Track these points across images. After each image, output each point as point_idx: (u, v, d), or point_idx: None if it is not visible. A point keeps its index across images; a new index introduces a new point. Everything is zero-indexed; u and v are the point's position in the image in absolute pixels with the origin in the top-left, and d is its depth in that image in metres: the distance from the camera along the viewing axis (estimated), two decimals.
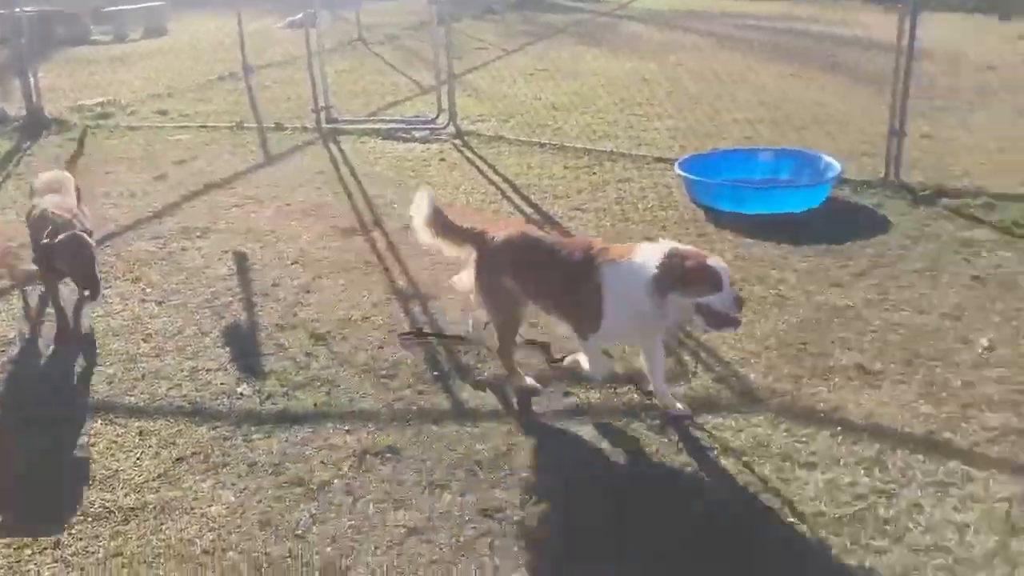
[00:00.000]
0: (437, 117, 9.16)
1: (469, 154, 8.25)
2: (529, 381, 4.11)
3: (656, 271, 3.51)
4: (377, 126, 9.26)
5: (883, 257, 5.58)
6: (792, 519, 3.20)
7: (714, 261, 3.53)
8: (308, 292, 5.27)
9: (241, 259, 5.80)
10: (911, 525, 3.14)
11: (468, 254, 4.16)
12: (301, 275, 5.52)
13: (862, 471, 3.46)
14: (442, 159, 8.13)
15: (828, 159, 6.86)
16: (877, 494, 3.32)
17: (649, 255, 3.60)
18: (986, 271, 5.31)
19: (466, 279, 4.22)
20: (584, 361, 4.04)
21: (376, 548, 3.09)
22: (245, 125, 9.47)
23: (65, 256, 4.40)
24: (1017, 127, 8.04)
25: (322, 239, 6.15)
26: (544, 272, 3.90)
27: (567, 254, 3.85)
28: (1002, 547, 3.01)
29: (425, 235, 4.27)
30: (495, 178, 7.50)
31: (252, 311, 5.04)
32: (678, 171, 6.84)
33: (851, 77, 10.89)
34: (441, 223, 4.22)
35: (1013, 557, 2.97)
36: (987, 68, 11.42)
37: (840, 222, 6.21)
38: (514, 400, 4.06)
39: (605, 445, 3.70)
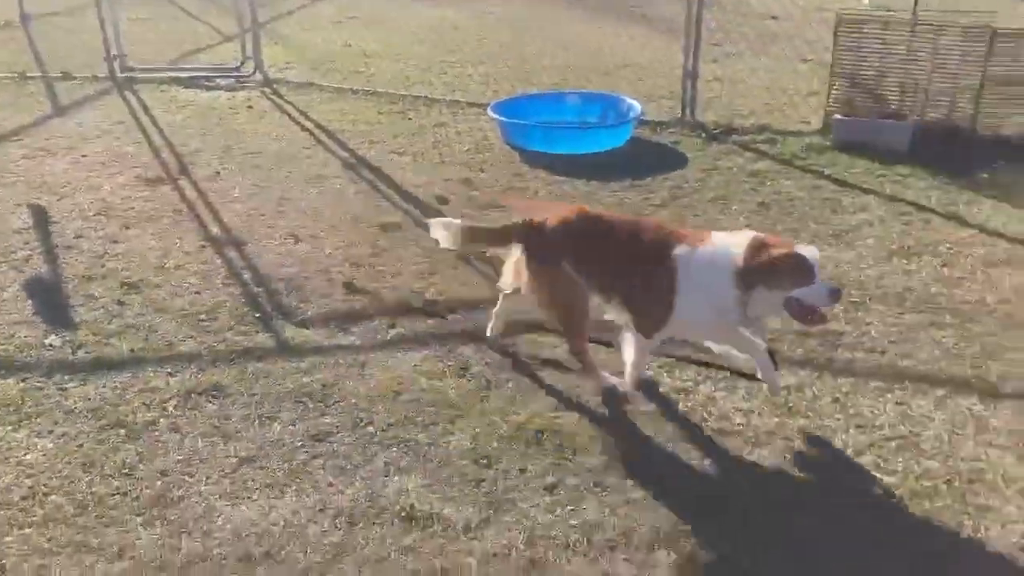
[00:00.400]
0: (242, 65, 8.87)
1: (279, 101, 8.07)
2: (612, 380, 3.63)
3: (742, 261, 3.15)
4: (178, 75, 8.85)
5: (681, 189, 6.01)
6: (607, 418, 3.47)
7: (805, 249, 3.19)
8: (115, 243, 5.06)
9: (38, 212, 5.47)
10: (705, 415, 3.49)
11: (514, 250, 3.69)
12: (106, 226, 5.28)
13: (663, 371, 3.78)
14: (250, 107, 7.91)
15: (631, 101, 7.26)
16: (677, 392, 3.66)
17: (731, 243, 3.25)
18: (769, 197, 5.84)
19: (513, 277, 3.74)
20: (632, 372, 3.56)
21: (208, 478, 3.10)
22: (28, 75, 8.79)
23: None
24: (796, 71, 8.75)
25: (125, 189, 5.88)
26: (608, 257, 3.46)
27: (635, 237, 3.42)
28: (780, 426, 3.41)
29: (462, 249, 3.96)
30: (308, 124, 7.39)
31: (55, 263, 4.79)
32: (492, 115, 7.02)
33: (649, 26, 11.42)
34: (473, 233, 3.84)
35: (789, 434, 3.38)
36: (770, 17, 12.29)
37: (642, 159, 6.60)
38: (600, 400, 3.63)
39: (431, 367, 3.84)
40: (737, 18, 11.92)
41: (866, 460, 3.23)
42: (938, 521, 2.92)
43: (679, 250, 3.29)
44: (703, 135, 7.13)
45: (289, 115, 7.69)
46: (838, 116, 6.91)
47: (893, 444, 3.32)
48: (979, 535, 2.86)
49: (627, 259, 3.41)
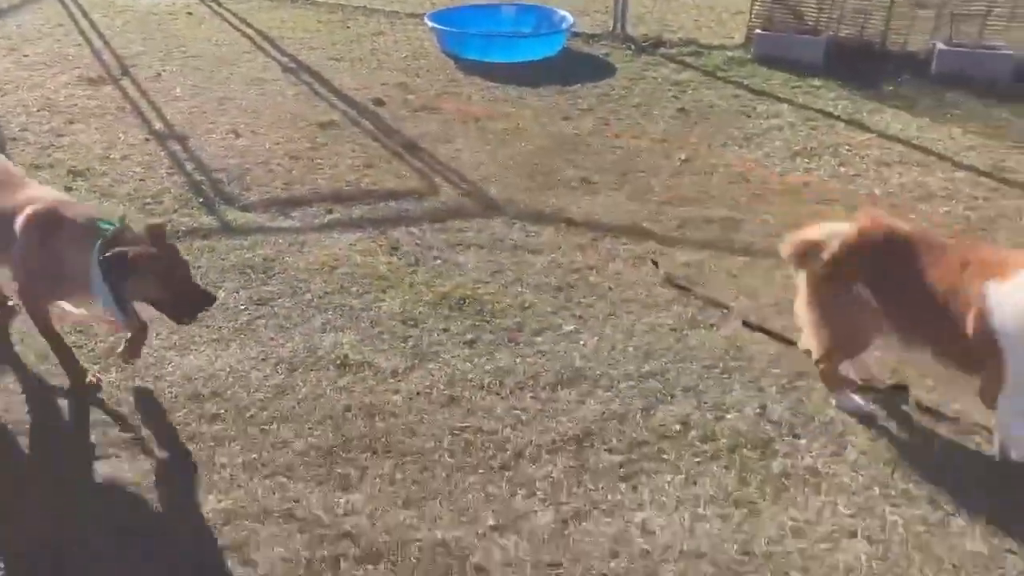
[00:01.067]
0: None
1: (218, 9, 8.14)
2: (857, 402, 3.09)
3: None
4: None
5: (607, 96, 6.33)
6: (522, 289, 3.86)
7: None
8: (60, 136, 5.24)
9: None
10: (612, 286, 3.90)
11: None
12: (51, 121, 5.45)
13: (578, 253, 4.18)
14: (189, 13, 7.98)
15: (563, 13, 7.51)
16: (589, 268, 4.05)
17: None
18: (690, 104, 6.20)
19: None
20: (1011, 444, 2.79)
21: (158, 335, 3.41)
22: None
23: None
24: None
25: (68, 88, 6.02)
26: (919, 288, 2.78)
27: (954, 264, 2.74)
28: (679, 297, 3.83)
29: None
30: (248, 31, 7.51)
31: (3, 153, 4.96)
32: (429, 23, 7.22)
33: None
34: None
35: (688, 302, 3.80)
36: None
37: (573, 68, 6.89)
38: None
39: (365, 247, 4.17)
40: None
41: (751, 319, 3.66)
42: (810, 367, 3.37)
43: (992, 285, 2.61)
44: (632, 47, 7.43)
45: (229, 22, 7.79)
46: (759, 31, 7.26)
47: (776, 308, 3.76)
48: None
49: (943, 294, 2.74)
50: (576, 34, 7.50)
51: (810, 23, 7.27)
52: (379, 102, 5.99)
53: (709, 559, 2.48)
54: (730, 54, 7.26)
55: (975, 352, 2.65)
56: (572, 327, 3.60)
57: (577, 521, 2.59)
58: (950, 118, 6.07)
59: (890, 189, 4.95)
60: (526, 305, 3.74)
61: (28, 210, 2.90)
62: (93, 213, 2.99)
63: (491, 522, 2.58)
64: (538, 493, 2.70)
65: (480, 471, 2.79)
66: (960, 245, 3.07)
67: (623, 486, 2.74)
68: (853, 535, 2.58)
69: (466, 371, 3.29)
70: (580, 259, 4.12)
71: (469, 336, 3.52)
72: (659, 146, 5.48)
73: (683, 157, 5.29)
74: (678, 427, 3.01)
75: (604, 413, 3.06)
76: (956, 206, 4.76)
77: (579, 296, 3.82)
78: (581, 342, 3.49)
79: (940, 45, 6.93)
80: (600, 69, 6.92)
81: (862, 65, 6.96)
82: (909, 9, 7.11)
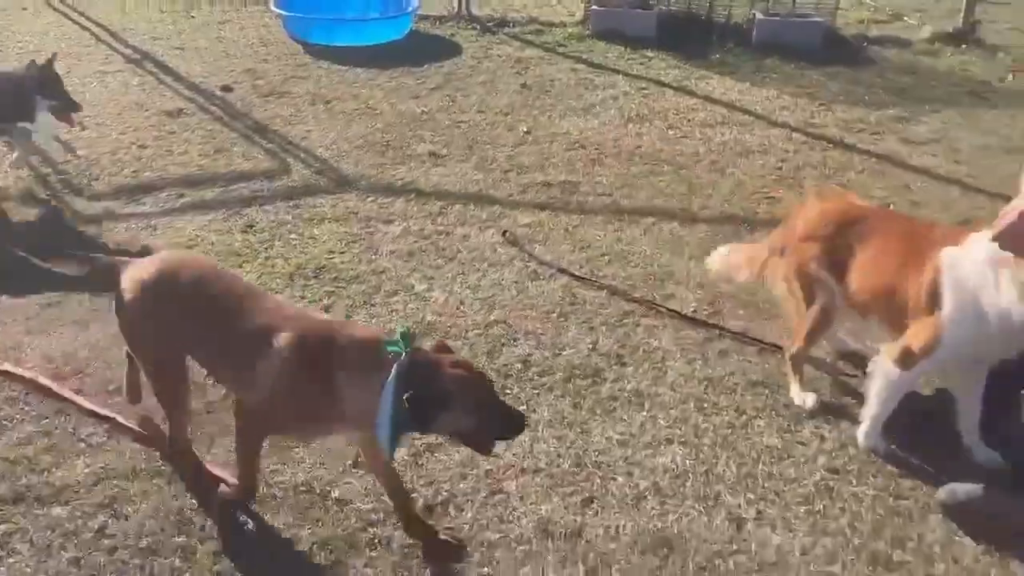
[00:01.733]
0: None
1: (55, 2, 7.94)
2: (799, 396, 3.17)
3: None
4: None
5: (454, 75, 6.59)
6: (376, 256, 4.08)
7: None
8: None
9: None
10: (460, 248, 4.17)
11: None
12: None
13: (428, 221, 4.43)
14: (24, 8, 7.76)
15: None
16: (438, 234, 4.31)
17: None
18: (531, 79, 6.53)
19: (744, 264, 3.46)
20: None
21: (11, 320, 3.47)
22: None
23: None
24: None
25: None
26: (879, 261, 2.94)
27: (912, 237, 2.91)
28: (520, 254, 4.14)
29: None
30: (88, 24, 7.38)
31: None
32: (275, 10, 7.29)
33: None
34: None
35: (526, 259, 4.10)
36: None
37: (420, 49, 7.11)
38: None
39: (219, 226, 4.29)
40: None
41: (584, 271, 4.01)
42: (636, 307, 3.73)
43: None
44: (477, 27, 7.71)
45: (67, 16, 7.62)
46: (596, 8, 7.66)
47: (607, 259, 4.12)
48: (666, 313, 3.69)
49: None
50: (423, 17, 7.72)
51: None
52: (227, 88, 6.06)
53: (546, 472, 2.79)
54: (570, 31, 7.65)
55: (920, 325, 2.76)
56: (424, 287, 3.85)
57: (430, 453, 2.85)
58: (768, 81, 6.64)
59: (712, 147, 5.41)
60: (380, 271, 3.96)
61: (293, 332, 2.33)
62: (370, 333, 2.40)
63: (350, 461, 2.81)
64: None
65: None
66: (917, 221, 3.28)
67: None
68: (671, 442, 2.94)
69: None
70: (430, 227, 4.37)
71: (326, 302, 3.72)
72: (503, 119, 5.78)
73: (525, 129, 5.61)
74: (519, 365, 3.31)
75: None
76: (770, 159, 5.27)
77: (430, 260, 4.07)
78: (432, 299, 3.75)
79: (759, 15, 7.52)
80: (447, 49, 7.17)
81: (691, 36, 7.47)
82: None
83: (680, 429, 3.00)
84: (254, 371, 2.34)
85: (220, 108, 5.76)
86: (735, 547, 2.53)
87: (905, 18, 8.51)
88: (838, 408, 3.14)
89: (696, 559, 2.49)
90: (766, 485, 2.77)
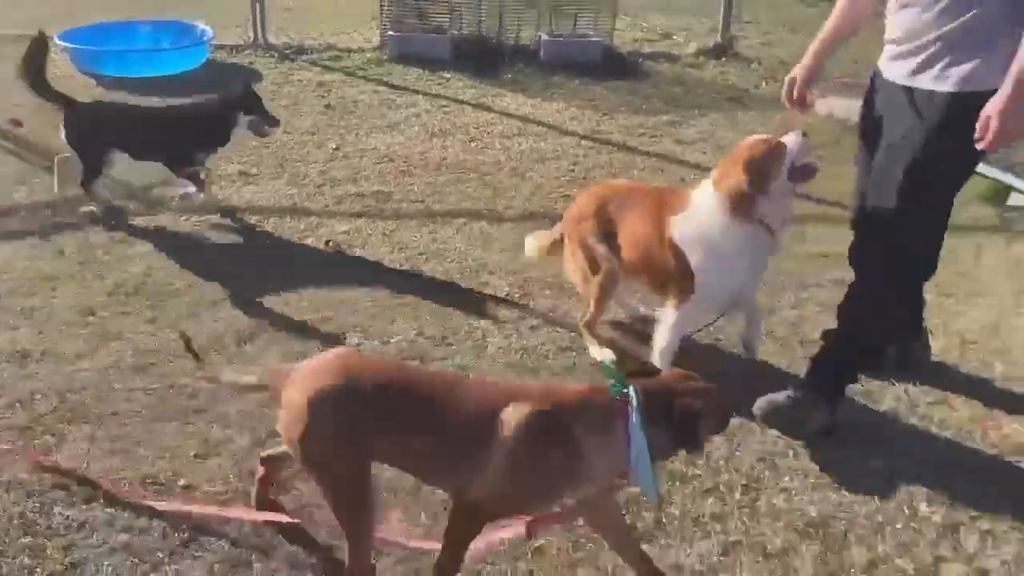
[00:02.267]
0: None
1: None
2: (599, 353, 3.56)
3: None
4: None
5: None
6: (195, 269, 4.15)
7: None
8: None
9: None
10: (280, 256, 4.32)
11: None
12: None
13: (246, 235, 4.54)
14: None
15: (203, 26, 7.72)
16: (257, 246, 4.43)
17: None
18: (335, 101, 6.75)
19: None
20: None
21: None
22: None
23: None
24: None
25: None
26: (633, 230, 3.42)
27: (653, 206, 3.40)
28: (339, 258, 4.34)
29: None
30: None
31: None
32: (61, 43, 7.09)
33: None
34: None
35: (346, 263, 4.32)
36: None
37: (219, 77, 7.12)
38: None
39: (28, 253, 4.22)
40: None
41: (403, 267, 4.27)
42: (457, 293, 4.03)
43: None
44: (276, 55, 7.84)
45: None
46: (391, 33, 7.99)
47: (423, 256, 4.40)
48: (482, 298, 4.01)
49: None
50: (219, 46, 7.75)
51: (435, 23, 8.14)
52: (17, 123, 5.87)
53: None
54: (368, 55, 7.93)
55: (675, 276, 3.29)
56: (247, 294, 3.97)
57: (272, 437, 2.99)
58: (557, 96, 7.19)
59: (512, 156, 5.84)
60: (200, 283, 4.04)
61: (517, 404, 2.16)
62: (579, 386, 2.30)
63: (193, 452, 2.91)
64: (233, 424, 3.07)
65: (178, 418, 3.10)
66: (656, 189, 3.75)
67: None
68: None
69: (151, 343, 3.55)
70: (249, 240, 4.49)
71: (150, 315, 3.76)
72: (311, 138, 5.96)
73: (334, 146, 5.82)
74: None
75: (286, 356, 3.48)
76: (563, 163, 5.75)
77: (251, 269, 4.19)
78: (258, 304, 3.88)
79: (544, 36, 8.10)
80: (246, 76, 7.24)
81: (484, 57, 7.94)
82: (517, 7, 8.22)
83: None
84: (481, 457, 2.15)
85: (13, 143, 5.59)
86: None
87: (673, 36, 9.41)
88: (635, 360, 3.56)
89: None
90: None
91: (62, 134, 4.56)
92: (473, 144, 6.04)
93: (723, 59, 8.53)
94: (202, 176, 4.79)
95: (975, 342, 3.81)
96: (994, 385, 3.53)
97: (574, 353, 3.61)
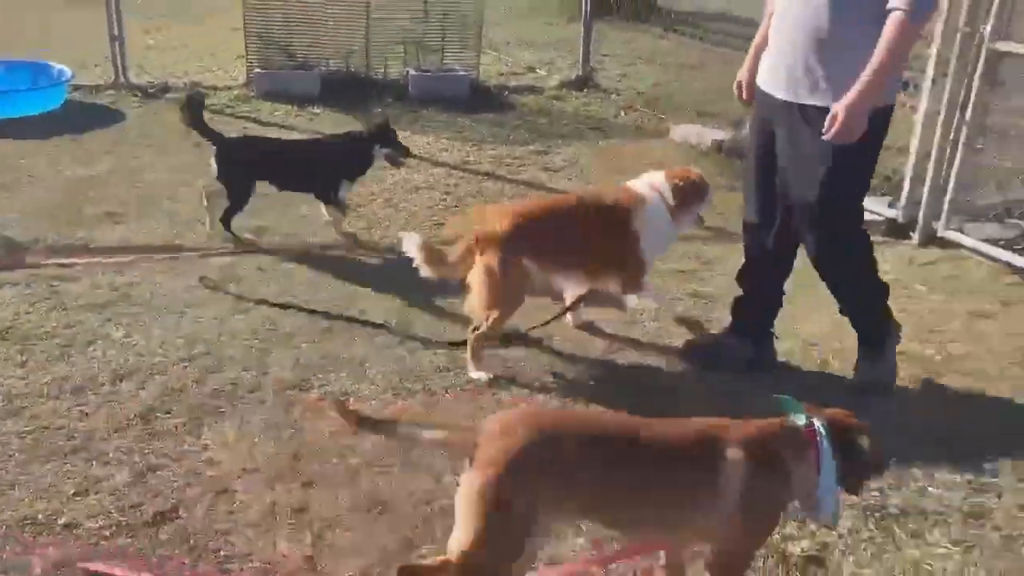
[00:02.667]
0: None
1: None
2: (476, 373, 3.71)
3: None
4: None
5: (122, 140, 6.63)
6: (66, 312, 4.09)
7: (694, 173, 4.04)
8: None
9: None
10: (155, 295, 4.31)
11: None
12: None
13: (117, 275, 4.50)
14: None
15: (60, 67, 7.57)
16: (129, 285, 4.41)
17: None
18: (203, 140, 6.71)
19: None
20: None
21: None
22: None
23: None
24: (227, 38, 9.66)
25: None
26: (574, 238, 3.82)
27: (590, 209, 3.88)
28: (216, 296, 4.37)
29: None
30: None
31: None
32: None
33: None
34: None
35: (222, 297, 4.35)
36: None
37: (82, 118, 7.03)
38: None
39: None
40: None
41: (280, 300, 4.32)
42: (335, 322, 4.12)
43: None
44: (139, 94, 7.75)
45: None
46: (258, 70, 8.03)
47: (302, 287, 4.48)
48: (360, 326, 4.11)
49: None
50: (78, 86, 7.61)
51: (303, 60, 8.22)
52: None
53: (267, 468, 3.08)
54: (235, 93, 7.95)
55: (624, 257, 3.85)
56: (122, 334, 3.95)
57: (152, 472, 3.02)
58: (427, 128, 7.39)
59: (385, 187, 5.98)
60: (72, 324, 3.99)
61: (735, 440, 2.20)
62: (778, 419, 2.31)
63: (72, 491, 2.91)
64: (112, 461, 3.07)
65: (54, 458, 3.08)
66: (584, 194, 4.23)
67: (189, 438, 3.23)
68: None
69: (22, 386, 3.50)
70: (120, 279, 4.45)
71: (20, 358, 3.70)
72: (181, 177, 5.94)
73: (204, 184, 5.81)
74: (230, 387, 3.56)
75: (163, 391, 3.50)
76: (435, 193, 5.94)
77: (124, 309, 4.17)
78: (133, 343, 3.87)
79: (412, 72, 8.31)
80: (110, 116, 7.18)
81: (353, 93, 8.08)
82: (383, 44, 8.40)
83: (382, 414, 3.43)
84: (708, 499, 2.17)
85: None
86: (439, 495, 2.99)
87: (537, 70, 9.81)
88: (507, 377, 3.75)
89: (406, 509, 2.92)
90: None
91: (213, 168, 4.85)
92: None
93: (584, 91, 8.96)
94: (343, 200, 5.09)
95: (815, 344, 4.17)
96: (832, 384, 3.87)
97: (451, 373, 3.76)
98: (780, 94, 3.42)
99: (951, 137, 5.42)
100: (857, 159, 3.33)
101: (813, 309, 4.25)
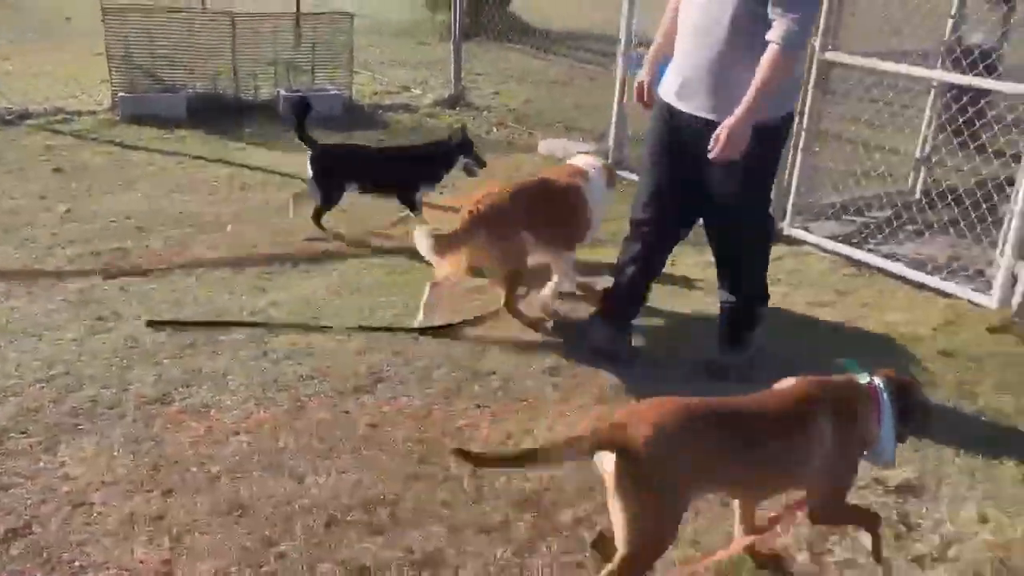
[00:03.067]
0: None
1: None
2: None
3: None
4: None
5: None
6: None
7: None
8: None
9: None
10: (10, 319, 4.23)
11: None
12: None
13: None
14: None
15: None
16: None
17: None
18: (65, 164, 6.61)
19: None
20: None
21: None
22: None
23: None
24: (89, 63, 9.45)
25: None
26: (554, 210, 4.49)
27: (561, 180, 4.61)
28: (74, 317, 4.32)
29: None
30: None
31: None
32: None
33: None
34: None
35: (83, 316, 4.30)
36: (65, 18, 12.76)
37: None
38: None
39: None
40: (32, 20, 12.17)
41: (142, 318, 4.31)
42: (198, 337, 4.13)
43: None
44: None
45: None
46: (123, 94, 7.90)
47: (165, 305, 4.47)
48: (223, 340, 4.14)
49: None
50: None
51: (169, 83, 8.14)
52: None
53: (127, 480, 3.10)
54: (100, 117, 7.83)
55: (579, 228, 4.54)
56: None
57: (4, 491, 3.00)
58: (299, 147, 7.36)
59: (253, 206, 6.01)
60: None
61: (818, 397, 2.59)
62: (848, 375, 2.71)
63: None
64: None
65: None
66: (553, 171, 4.87)
67: (45, 456, 3.21)
68: (236, 433, 3.41)
69: None
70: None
71: None
72: (40, 203, 5.82)
73: (65, 208, 5.72)
74: (89, 404, 3.55)
75: (18, 411, 3.46)
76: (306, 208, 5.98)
77: None
78: None
79: (283, 92, 8.33)
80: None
81: (223, 114, 8.05)
82: (252, 66, 8.40)
83: (244, 423, 3.49)
84: (802, 450, 2.53)
85: None
86: (300, 495, 3.07)
87: (411, 89, 9.96)
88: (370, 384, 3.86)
89: (266, 510, 2.99)
90: (320, 446, 3.37)
91: (309, 171, 5.43)
92: (212, 197, 6.15)
93: (457, 108, 9.16)
94: (419, 201, 5.63)
95: (663, 335, 4.44)
96: (678, 370, 4.13)
97: (315, 380, 3.84)
98: (690, 109, 3.72)
99: (791, 143, 5.82)
100: (759, 163, 3.69)
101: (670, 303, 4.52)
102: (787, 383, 2.68)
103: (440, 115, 8.93)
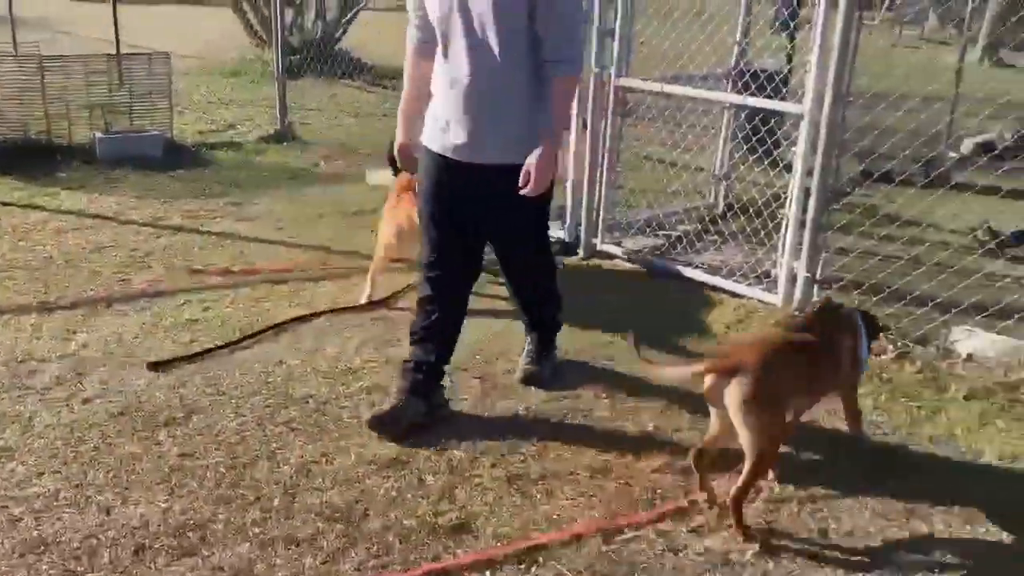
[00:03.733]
0: None
1: None
2: None
3: None
4: None
5: None
6: None
7: None
8: None
9: None
10: None
11: None
12: None
13: None
14: None
15: None
16: None
17: None
18: None
19: None
20: None
21: None
22: None
23: None
24: None
25: None
26: None
27: None
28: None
29: None
30: None
31: None
32: None
33: None
34: None
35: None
36: None
37: None
38: None
39: None
40: None
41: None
42: (2, 382, 4.04)
43: None
44: None
45: None
46: None
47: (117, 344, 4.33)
48: (31, 384, 4.05)
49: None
50: None
51: None
52: None
53: None
54: None
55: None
56: None
57: None
58: (117, 189, 7.29)
59: (66, 249, 5.87)
60: None
61: (845, 328, 3.57)
62: (845, 311, 3.70)
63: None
64: None
65: None
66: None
67: None
68: (42, 474, 3.37)
69: None
70: None
71: None
72: None
73: None
74: None
75: None
76: (122, 250, 5.90)
77: None
78: None
79: (99, 135, 8.14)
80: None
81: (34, 160, 7.79)
82: (69, 109, 8.18)
83: (49, 463, 3.45)
84: (838, 359, 3.49)
85: None
86: (107, 527, 3.08)
87: (237, 127, 9.92)
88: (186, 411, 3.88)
89: (71, 545, 2.98)
90: (130, 479, 3.37)
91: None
92: (22, 243, 5.97)
93: (284, 144, 9.20)
94: None
95: (482, 350, 4.65)
96: (498, 380, 4.35)
97: (126, 416, 3.82)
98: (479, 159, 3.66)
99: (597, 164, 6.21)
100: (545, 197, 3.79)
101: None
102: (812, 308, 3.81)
103: (266, 151, 8.94)
